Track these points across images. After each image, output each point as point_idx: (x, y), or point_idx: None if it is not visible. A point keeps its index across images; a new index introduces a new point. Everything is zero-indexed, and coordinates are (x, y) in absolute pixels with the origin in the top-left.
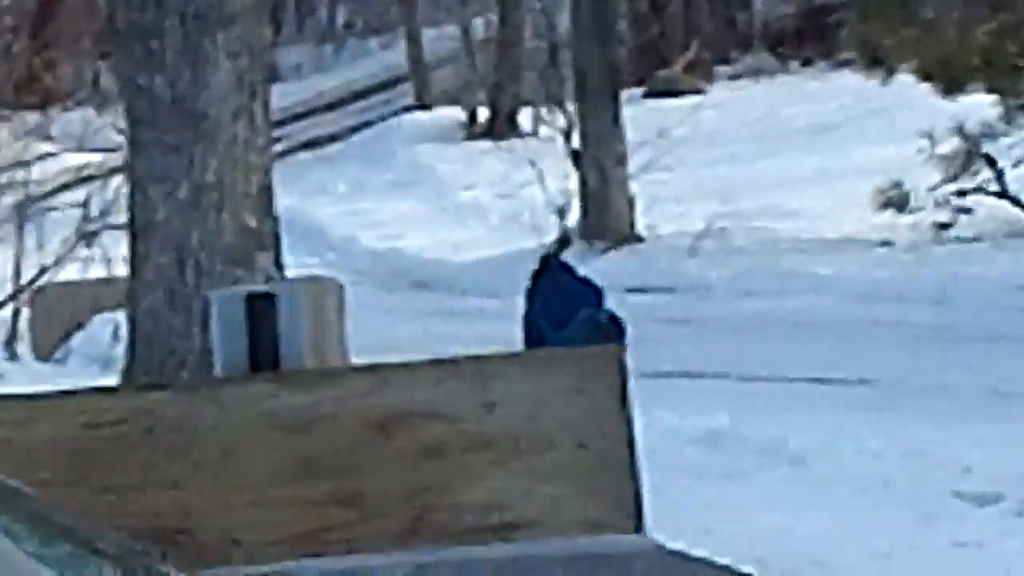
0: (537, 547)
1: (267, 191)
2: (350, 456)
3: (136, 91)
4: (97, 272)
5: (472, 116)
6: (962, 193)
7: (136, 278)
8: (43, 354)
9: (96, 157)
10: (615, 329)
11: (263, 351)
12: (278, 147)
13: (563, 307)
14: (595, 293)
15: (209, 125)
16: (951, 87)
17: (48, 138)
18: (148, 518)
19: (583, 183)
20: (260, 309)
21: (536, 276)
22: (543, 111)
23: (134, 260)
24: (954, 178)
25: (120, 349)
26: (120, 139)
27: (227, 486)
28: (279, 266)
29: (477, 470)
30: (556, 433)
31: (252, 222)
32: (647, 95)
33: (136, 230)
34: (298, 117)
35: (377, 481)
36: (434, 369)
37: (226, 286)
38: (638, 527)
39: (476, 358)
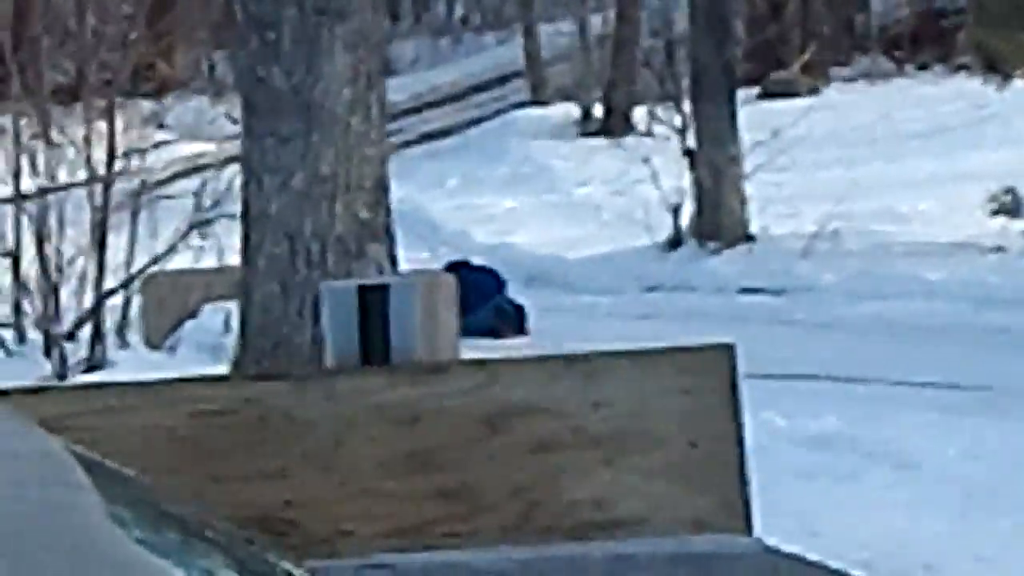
0: (644, 545)
1: (381, 184)
2: (459, 450)
3: (253, 81)
4: (209, 261)
5: (587, 113)
6: None
7: (249, 268)
8: (154, 342)
9: (210, 146)
10: (517, 316)
11: (374, 343)
12: (392, 140)
13: (468, 295)
14: (495, 278)
15: (324, 116)
16: None
17: (162, 126)
18: (256, 508)
19: (697, 182)
20: (372, 301)
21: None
22: (658, 109)
23: (247, 250)
24: None
25: (231, 338)
26: (234, 128)
27: (336, 478)
28: (392, 259)
29: (585, 467)
30: (665, 431)
31: (365, 214)
32: (762, 95)
33: (249, 220)
34: (413, 111)
35: (485, 476)
36: (543, 365)
37: (338, 277)
38: (746, 527)
39: (585, 355)
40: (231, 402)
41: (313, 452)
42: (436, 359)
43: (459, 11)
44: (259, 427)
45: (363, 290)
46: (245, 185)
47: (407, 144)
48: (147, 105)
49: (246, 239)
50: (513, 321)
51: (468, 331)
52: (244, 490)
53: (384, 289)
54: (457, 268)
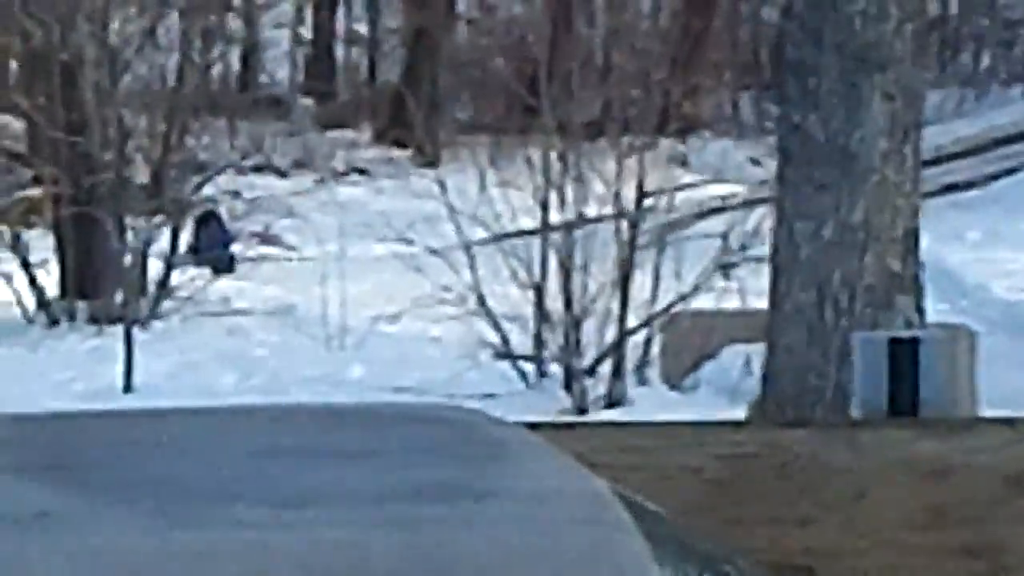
0: None
1: (912, 235)
2: (984, 508)
3: (790, 127)
4: (732, 303)
5: None
6: None
7: (775, 313)
8: (673, 381)
9: (736, 188)
10: (230, 260)
11: (902, 396)
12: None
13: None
14: (225, 232)
15: (859, 165)
16: None
17: (686, 166)
18: (775, 554)
19: None
20: (902, 353)
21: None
22: None
23: (774, 295)
24: None
25: (750, 381)
26: (756, 172)
27: (858, 529)
28: (920, 311)
29: None
30: None
31: (896, 265)
32: None
33: (779, 265)
34: (936, 161)
35: (1009, 535)
36: None
37: (865, 327)
38: None
39: None
40: (754, 447)
41: (835, 501)
42: (959, 414)
43: (986, 62)
44: (781, 473)
45: (894, 342)
46: (776, 230)
47: (929, 195)
48: (670, 144)
49: (774, 284)
50: (228, 263)
51: (200, 264)
52: (764, 534)
53: (915, 342)
54: (207, 218)
